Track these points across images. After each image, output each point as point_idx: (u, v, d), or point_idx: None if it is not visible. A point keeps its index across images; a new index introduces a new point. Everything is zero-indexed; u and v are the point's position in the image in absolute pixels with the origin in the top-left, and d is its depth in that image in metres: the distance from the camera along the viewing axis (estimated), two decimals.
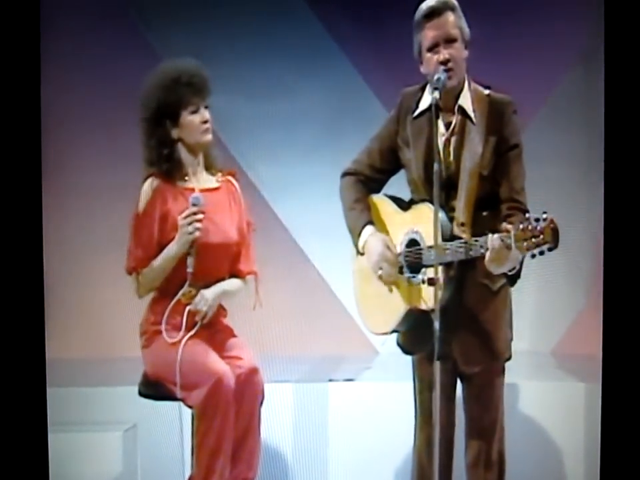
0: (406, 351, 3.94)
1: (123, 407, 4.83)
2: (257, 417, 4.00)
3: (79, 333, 5.66)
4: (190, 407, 3.91)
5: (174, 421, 4.75)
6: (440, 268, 3.64)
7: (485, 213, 3.76)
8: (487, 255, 3.56)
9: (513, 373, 4.03)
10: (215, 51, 5.46)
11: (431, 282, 3.62)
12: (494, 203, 3.77)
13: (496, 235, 3.53)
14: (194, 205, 3.92)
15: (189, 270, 3.94)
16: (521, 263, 3.63)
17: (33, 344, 4.15)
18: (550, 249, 3.43)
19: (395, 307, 3.86)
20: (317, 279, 5.94)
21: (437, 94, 3.62)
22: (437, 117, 3.66)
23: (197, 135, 4.02)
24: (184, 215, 3.92)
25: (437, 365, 3.56)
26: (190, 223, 3.90)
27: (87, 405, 4.88)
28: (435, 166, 3.55)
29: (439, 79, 3.67)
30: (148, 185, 4.01)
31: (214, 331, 4.06)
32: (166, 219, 3.97)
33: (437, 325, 3.51)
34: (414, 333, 3.84)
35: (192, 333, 3.97)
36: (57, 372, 4.55)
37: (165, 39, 5.69)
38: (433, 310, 3.54)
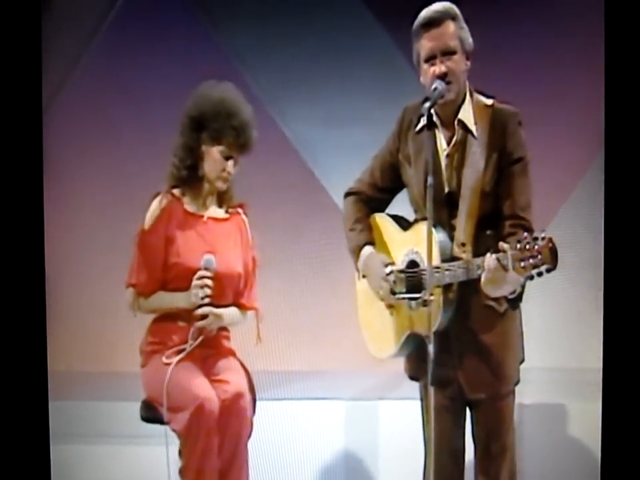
0: (411, 377, 3.79)
1: (126, 421, 4.79)
2: (243, 446, 3.90)
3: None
4: (174, 431, 3.85)
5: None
6: (438, 289, 3.49)
7: (488, 232, 3.57)
8: (483, 276, 3.39)
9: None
10: (296, 80, 5.47)
11: (424, 304, 3.47)
12: (498, 221, 3.58)
13: (493, 255, 3.35)
14: (206, 268, 3.90)
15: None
16: (523, 286, 3.46)
17: (35, 356, 4.18)
18: (548, 270, 3.24)
19: (396, 330, 3.73)
20: None
21: (427, 104, 3.43)
22: (430, 129, 3.46)
23: (214, 174, 4.01)
24: (197, 276, 3.89)
25: (432, 391, 3.39)
26: (202, 287, 3.88)
27: (91, 418, 4.92)
28: (429, 179, 3.35)
29: (435, 88, 3.50)
30: (157, 203, 4.01)
31: (211, 353, 4.01)
32: (171, 242, 3.97)
33: (430, 348, 3.34)
34: (417, 358, 3.69)
35: (182, 355, 3.90)
36: (60, 385, 4.58)
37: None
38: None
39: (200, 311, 3.91)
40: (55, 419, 4.34)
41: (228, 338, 4.10)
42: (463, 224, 3.55)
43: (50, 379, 4.26)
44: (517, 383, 3.70)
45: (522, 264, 3.24)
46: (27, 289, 4.22)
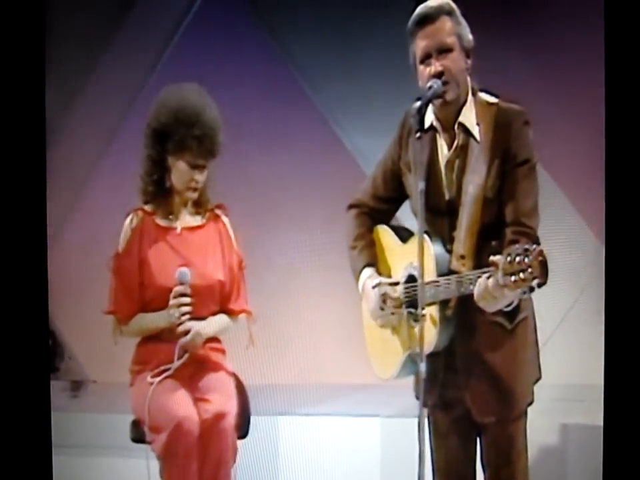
0: (418, 397, 3.52)
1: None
2: (225, 471, 3.67)
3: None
4: (154, 452, 3.66)
5: None
6: (434, 306, 3.25)
7: (493, 243, 3.27)
8: (475, 291, 3.13)
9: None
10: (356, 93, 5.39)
11: (415, 319, 3.25)
12: (502, 230, 3.28)
13: (485, 271, 3.10)
14: (181, 282, 3.73)
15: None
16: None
17: (37, 366, 4.12)
18: (539, 285, 2.96)
19: (396, 350, 3.49)
20: None
21: (417, 104, 3.17)
22: (422, 132, 3.16)
23: (182, 185, 3.85)
24: (173, 293, 3.73)
25: (424, 412, 3.14)
26: (178, 306, 3.72)
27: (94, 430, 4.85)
28: (420, 185, 3.09)
29: (430, 87, 3.24)
30: (128, 223, 3.88)
31: (199, 368, 3.83)
32: (145, 261, 3.82)
33: (422, 367, 3.07)
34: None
35: (165, 375, 3.73)
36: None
37: None
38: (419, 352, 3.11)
39: (181, 328, 3.74)
40: (57, 430, 4.28)
41: (219, 350, 3.92)
42: (463, 234, 3.28)
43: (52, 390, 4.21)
44: (530, 403, 3.41)
45: (512, 278, 2.97)
46: (30, 298, 4.16)
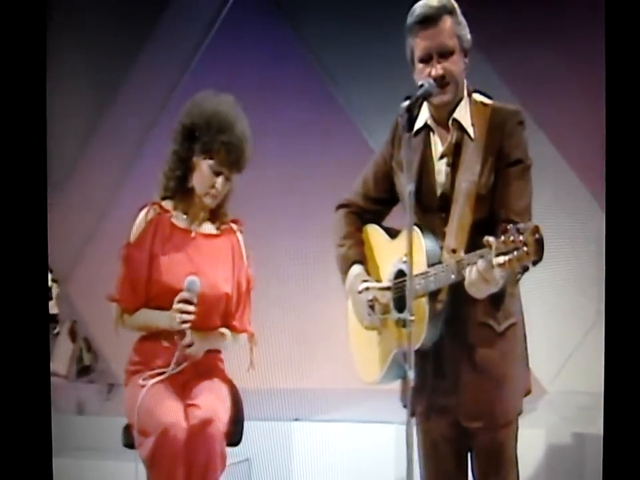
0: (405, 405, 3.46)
1: None
2: (214, 476, 3.58)
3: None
4: (140, 457, 3.60)
5: None
6: (424, 300, 3.17)
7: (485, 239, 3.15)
8: (466, 276, 3.04)
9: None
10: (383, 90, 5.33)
11: (404, 325, 3.06)
12: (494, 227, 3.13)
13: (477, 252, 3.02)
14: (188, 289, 3.66)
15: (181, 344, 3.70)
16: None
17: (38, 368, 4.12)
18: (534, 263, 2.86)
19: (383, 350, 3.40)
20: None
21: (406, 103, 3.09)
22: (409, 130, 3.07)
23: (202, 189, 3.80)
24: (177, 298, 3.66)
25: (412, 422, 3.04)
26: (181, 312, 3.65)
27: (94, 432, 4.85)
28: (410, 186, 3.01)
29: (421, 85, 3.18)
30: (143, 215, 3.83)
31: (194, 374, 3.77)
32: (156, 257, 3.76)
33: (410, 374, 2.97)
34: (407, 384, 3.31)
35: (158, 379, 3.68)
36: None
37: None
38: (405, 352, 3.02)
39: (186, 341, 3.70)
40: (57, 432, 4.28)
41: (216, 357, 3.87)
42: (455, 229, 3.22)
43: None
44: (520, 413, 3.33)
45: (506, 258, 2.87)
46: (30, 301, 4.16)
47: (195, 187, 3.81)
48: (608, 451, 3.76)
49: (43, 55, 4.34)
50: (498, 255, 2.88)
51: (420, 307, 3.17)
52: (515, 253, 2.85)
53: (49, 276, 6.95)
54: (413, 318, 3.02)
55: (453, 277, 3.11)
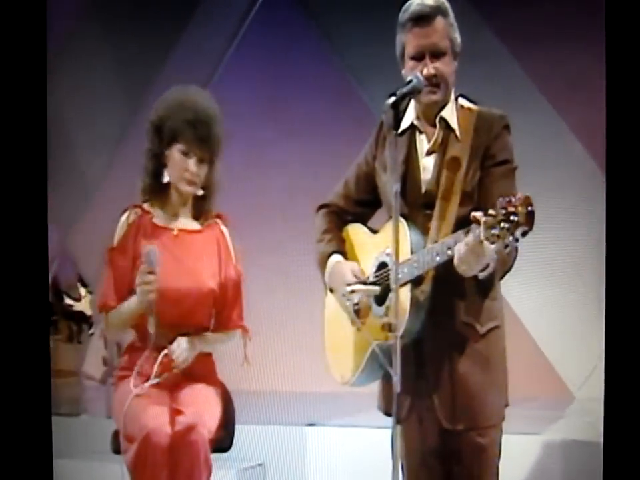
0: (386, 413, 3.36)
1: None
2: None
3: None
4: (125, 463, 3.53)
5: None
6: (406, 289, 3.10)
7: None
8: (455, 253, 2.98)
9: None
10: None
11: (390, 329, 3.01)
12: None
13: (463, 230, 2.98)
14: (146, 260, 3.58)
15: (150, 331, 3.60)
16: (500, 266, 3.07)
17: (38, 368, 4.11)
18: (524, 234, 2.80)
19: (360, 345, 3.32)
20: None
21: (391, 99, 3.03)
22: (395, 128, 3.05)
23: (176, 176, 3.74)
24: (139, 272, 3.59)
25: (398, 430, 3.00)
26: (143, 284, 3.57)
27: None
28: (395, 187, 2.98)
29: (410, 81, 3.14)
30: (124, 218, 3.79)
31: (181, 379, 3.70)
32: (139, 258, 3.67)
33: (395, 379, 2.92)
34: (391, 390, 3.20)
35: (153, 382, 3.61)
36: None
37: None
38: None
39: (175, 345, 3.64)
40: (57, 434, 4.27)
41: (207, 361, 3.80)
42: (439, 224, 3.17)
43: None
44: (502, 420, 3.28)
45: (496, 230, 2.80)
46: (30, 303, 4.16)
47: (171, 177, 3.75)
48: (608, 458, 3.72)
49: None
50: (487, 228, 2.82)
51: (402, 296, 3.09)
52: (505, 224, 2.79)
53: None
54: (402, 328, 3.02)
55: (438, 258, 3.07)
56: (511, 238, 2.79)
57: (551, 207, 5.04)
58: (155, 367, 3.62)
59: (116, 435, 3.66)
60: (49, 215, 4.49)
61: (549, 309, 5.59)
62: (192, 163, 3.70)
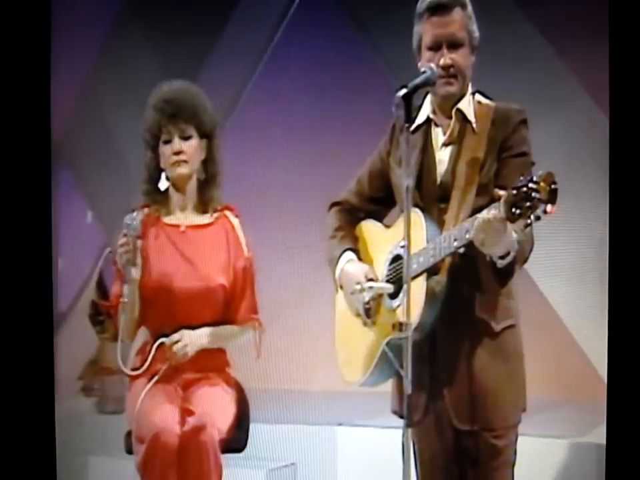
0: (394, 411, 3.34)
1: None
2: None
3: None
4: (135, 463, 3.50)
5: None
6: (421, 279, 3.05)
7: None
8: (474, 229, 2.91)
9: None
10: None
11: (401, 329, 2.92)
12: None
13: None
14: (125, 225, 3.56)
15: (125, 299, 3.60)
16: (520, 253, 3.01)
17: (42, 368, 4.13)
18: (546, 212, 2.76)
19: (372, 343, 3.26)
20: None
21: (402, 91, 2.97)
22: (407, 120, 2.97)
23: (169, 166, 3.71)
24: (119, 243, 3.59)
25: (409, 433, 2.93)
26: (120, 247, 3.56)
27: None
28: (407, 181, 2.91)
29: (424, 72, 3.11)
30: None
31: (194, 378, 3.67)
32: (147, 257, 3.68)
33: (407, 382, 2.87)
34: (397, 386, 3.26)
35: (156, 379, 3.60)
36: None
37: None
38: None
39: (176, 336, 3.62)
40: (61, 430, 4.28)
41: (220, 359, 3.77)
42: (455, 215, 3.12)
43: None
44: (518, 422, 3.23)
45: (517, 210, 2.78)
46: (35, 303, 4.18)
47: (165, 173, 3.73)
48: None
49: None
50: (508, 205, 2.79)
51: (417, 287, 3.02)
52: (527, 202, 2.75)
53: None
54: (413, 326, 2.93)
55: (455, 243, 3.01)
56: (532, 217, 2.77)
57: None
58: (149, 359, 3.62)
59: (128, 435, 3.63)
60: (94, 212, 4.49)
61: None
62: (176, 141, 3.69)
